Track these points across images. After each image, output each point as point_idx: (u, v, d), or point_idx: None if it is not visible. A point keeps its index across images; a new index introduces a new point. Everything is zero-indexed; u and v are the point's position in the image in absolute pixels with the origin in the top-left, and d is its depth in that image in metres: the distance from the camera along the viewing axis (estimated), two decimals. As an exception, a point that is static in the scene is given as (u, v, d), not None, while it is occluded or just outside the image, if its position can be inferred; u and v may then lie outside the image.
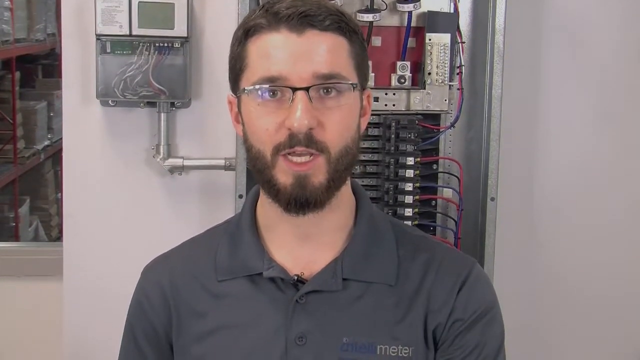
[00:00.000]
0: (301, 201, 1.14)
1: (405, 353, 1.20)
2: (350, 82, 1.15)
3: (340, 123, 1.14)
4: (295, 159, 1.13)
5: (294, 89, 1.12)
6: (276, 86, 1.13)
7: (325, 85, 1.13)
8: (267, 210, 1.23)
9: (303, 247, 1.22)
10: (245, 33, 1.17)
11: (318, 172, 1.14)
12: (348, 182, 1.23)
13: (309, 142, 1.12)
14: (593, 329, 2.22)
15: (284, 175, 1.14)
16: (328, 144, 1.13)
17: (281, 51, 1.13)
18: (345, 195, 1.23)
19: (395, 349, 1.20)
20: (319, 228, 1.21)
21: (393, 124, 1.91)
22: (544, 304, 2.20)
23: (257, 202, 1.27)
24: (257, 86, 1.14)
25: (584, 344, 2.22)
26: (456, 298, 1.22)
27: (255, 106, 1.15)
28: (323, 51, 1.13)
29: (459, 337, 1.21)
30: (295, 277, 1.21)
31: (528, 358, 2.14)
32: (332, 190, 1.16)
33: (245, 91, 1.16)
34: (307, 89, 1.12)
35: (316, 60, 1.13)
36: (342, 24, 1.15)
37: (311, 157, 1.13)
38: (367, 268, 1.22)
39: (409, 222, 1.90)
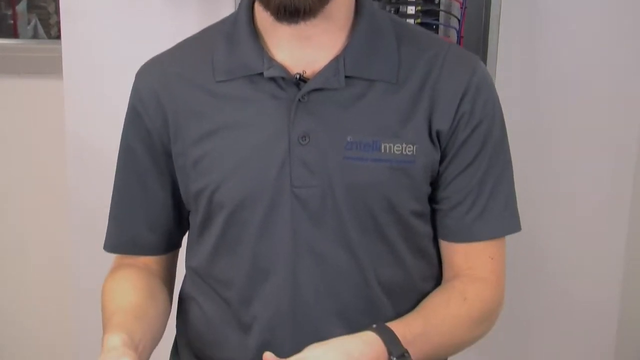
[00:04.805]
0: (290, 10, 1.11)
1: (409, 151, 1.21)
2: None
3: None
4: None
5: None
6: None
7: None
8: (263, 12, 1.19)
9: (303, 47, 1.20)
10: None
11: None
12: None
13: None
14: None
15: None
16: None
17: None
18: None
19: (399, 146, 1.20)
20: (319, 28, 1.18)
21: None
22: (545, 109, 2.19)
23: (254, 0, 1.24)
24: None
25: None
26: (460, 101, 1.22)
27: None
28: None
29: (463, 140, 1.23)
30: (297, 76, 1.20)
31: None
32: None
33: None
34: None
35: None
36: None
37: None
38: (369, 65, 1.21)
39: (412, 21, 1.87)
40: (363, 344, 1.12)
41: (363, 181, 1.20)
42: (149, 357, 1.19)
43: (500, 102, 1.29)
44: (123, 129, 1.31)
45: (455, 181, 1.25)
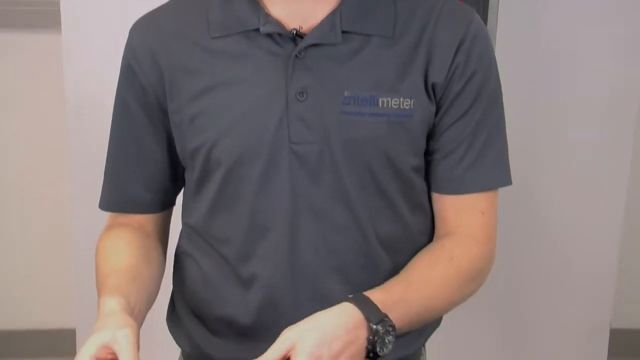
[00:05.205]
0: None
1: (407, 105, 1.20)
2: None
3: None
4: None
5: None
6: None
7: None
8: None
9: (299, 2, 1.19)
10: None
11: None
12: None
13: None
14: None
15: None
16: None
17: None
18: None
19: (397, 101, 1.20)
20: None
21: None
22: (547, 63, 2.18)
23: None
24: None
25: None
26: (456, 53, 1.21)
27: None
28: None
29: (458, 91, 1.22)
30: (294, 32, 1.19)
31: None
32: None
33: None
34: None
35: None
36: None
37: None
38: (365, 20, 1.20)
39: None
40: (338, 316, 1.10)
41: (361, 136, 1.19)
42: (144, 318, 1.20)
43: (501, 55, 1.28)
44: (117, 86, 1.30)
45: (448, 131, 1.24)
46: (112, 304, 1.10)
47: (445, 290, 1.23)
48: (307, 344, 1.06)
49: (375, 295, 1.14)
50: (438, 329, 1.39)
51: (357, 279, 1.22)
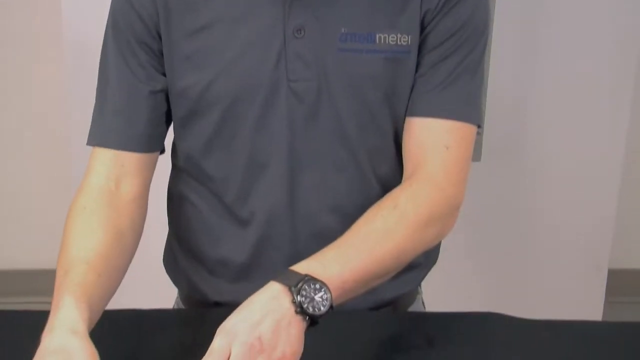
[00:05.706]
0: None
1: (404, 41, 1.19)
2: None
3: None
4: None
5: None
6: None
7: None
8: None
9: None
10: None
11: None
12: None
13: None
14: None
15: None
16: None
17: None
18: None
19: (394, 37, 1.18)
20: None
21: None
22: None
23: None
24: None
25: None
26: None
27: None
28: None
29: (444, 17, 1.19)
30: None
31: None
32: None
33: None
34: None
35: None
36: None
37: None
38: None
39: None
40: (259, 294, 1.03)
41: (358, 73, 1.18)
42: (99, 316, 1.11)
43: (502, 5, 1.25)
44: (112, 22, 1.25)
45: (427, 55, 1.21)
46: (74, 318, 1.01)
47: (389, 239, 1.14)
48: (226, 326, 1.00)
49: (299, 264, 1.08)
50: (434, 268, 1.39)
51: (354, 217, 1.20)
